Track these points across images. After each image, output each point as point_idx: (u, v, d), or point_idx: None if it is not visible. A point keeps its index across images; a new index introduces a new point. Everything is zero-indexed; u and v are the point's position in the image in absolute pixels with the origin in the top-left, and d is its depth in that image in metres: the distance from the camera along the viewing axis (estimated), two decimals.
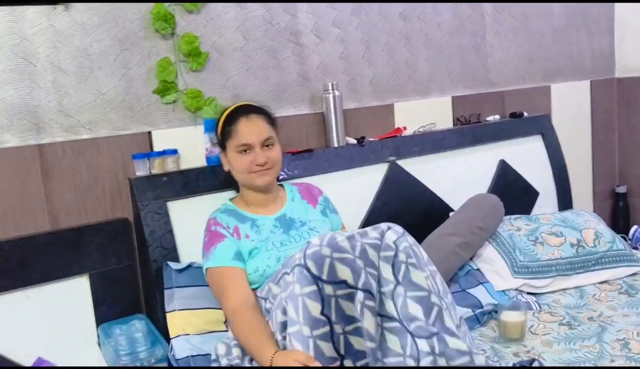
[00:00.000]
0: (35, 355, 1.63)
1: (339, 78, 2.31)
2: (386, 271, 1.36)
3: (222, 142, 1.74)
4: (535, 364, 1.53)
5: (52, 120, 1.77)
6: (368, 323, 1.32)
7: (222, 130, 1.73)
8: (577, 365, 1.56)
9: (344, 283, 1.32)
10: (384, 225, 1.44)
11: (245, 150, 1.68)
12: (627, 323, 1.77)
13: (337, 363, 1.31)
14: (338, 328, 1.32)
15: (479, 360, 1.33)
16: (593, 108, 3.20)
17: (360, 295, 1.32)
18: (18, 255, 1.66)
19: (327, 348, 1.31)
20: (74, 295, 1.73)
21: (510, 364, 1.57)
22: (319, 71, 2.28)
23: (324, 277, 1.32)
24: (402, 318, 1.34)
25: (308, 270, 1.33)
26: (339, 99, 2.21)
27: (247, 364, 1.47)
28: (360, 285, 1.32)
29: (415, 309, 1.33)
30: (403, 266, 1.36)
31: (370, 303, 1.32)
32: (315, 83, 2.26)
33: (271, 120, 1.76)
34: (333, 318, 1.31)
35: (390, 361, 1.32)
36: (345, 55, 2.35)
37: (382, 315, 1.35)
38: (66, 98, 1.78)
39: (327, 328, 1.31)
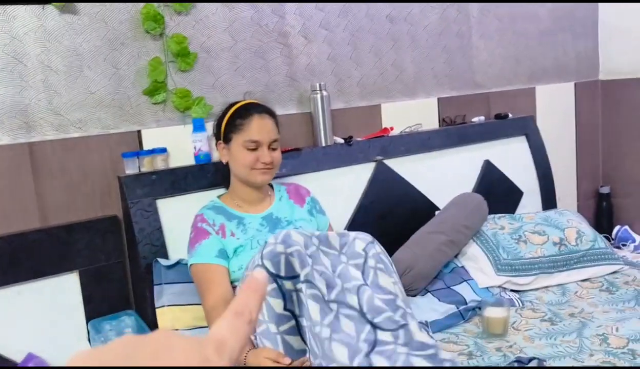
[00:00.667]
0: (26, 351, 1.64)
1: (326, 78, 2.34)
2: (355, 274, 1.38)
3: (226, 134, 1.75)
4: (534, 363, 1.54)
5: (42, 118, 1.79)
6: (313, 309, 1.31)
7: (231, 122, 1.73)
8: (557, 358, 1.60)
9: (298, 278, 1.35)
10: (352, 234, 1.46)
11: (253, 147, 1.70)
12: (607, 319, 1.81)
13: (307, 356, 1.34)
14: (304, 322, 1.35)
15: (444, 354, 1.32)
16: (577, 109, 3.25)
17: (303, 286, 1.34)
18: (8, 252, 1.67)
19: (295, 342, 1.34)
20: (64, 291, 1.74)
21: (498, 360, 1.61)
22: (307, 72, 2.31)
23: (282, 274, 1.35)
24: (366, 310, 1.31)
25: (266, 269, 1.36)
26: (327, 99, 2.24)
27: None
28: (302, 277, 1.33)
29: (383, 306, 1.33)
30: (372, 272, 1.38)
31: (311, 291, 1.31)
32: (303, 83, 2.30)
33: (278, 123, 1.79)
34: (297, 312, 1.35)
35: (337, 336, 1.28)
36: (333, 56, 2.38)
37: (340, 302, 1.32)
38: (56, 97, 1.80)
39: (292, 323, 1.35)
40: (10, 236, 1.69)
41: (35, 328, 1.69)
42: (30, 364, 1.62)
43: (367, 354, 1.26)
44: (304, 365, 1.33)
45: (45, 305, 1.72)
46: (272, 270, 1.35)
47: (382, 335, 1.29)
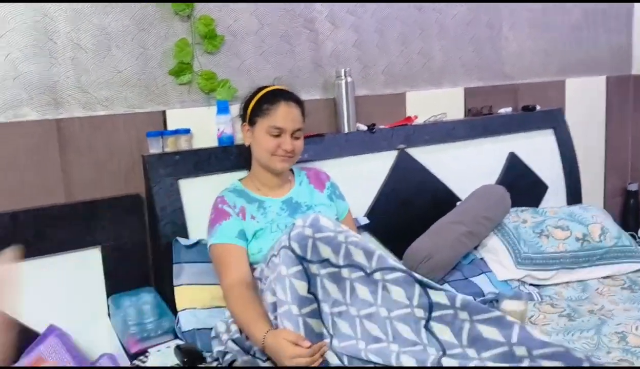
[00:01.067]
0: (47, 322, 1.68)
1: (351, 65, 2.33)
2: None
3: (252, 117, 1.76)
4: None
5: (70, 95, 1.82)
6: (362, 292, 1.33)
7: (258, 106, 1.74)
8: None
9: (326, 261, 1.35)
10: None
11: (276, 134, 1.71)
12: (627, 317, 1.79)
13: (327, 341, 1.35)
14: (325, 307, 1.35)
15: (509, 317, 1.26)
16: (608, 104, 3.18)
17: (345, 272, 1.35)
18: (34, 225, 1.71)
19: (316, 325, 1.35)
20: (86, 265, 1.78)
21: None
22: (332, 58, 2.31)
23: (308, 257, 1.36)
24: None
25: (293, 251, 1.37)
26: (351, 86, 2.24)
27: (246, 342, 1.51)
28: (341, 262, 1.34)
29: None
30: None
31: (357, 274, 1.33)
32: (328, 69, 2.29)
33: (304, 112, 1.79)
34: (320, 296, 1.35)
35: (395, 313, 1.31)
36: (359, 43, 2.37)
37: (382, 268, 1.33)
38: (84, 75, 1.83)
39: (314, 306, 1.35)
40: (36, 210, 1.73)
41: (57, 300, 1.73)
42: (51, 337, 1.65)
43: (427, 325, 1.26)
44: (322, 350, 1.34)
45: (67, 278, 1.75)
46: (298, 252, 1.37)
47: (436, 296, 1.27)
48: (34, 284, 1.70)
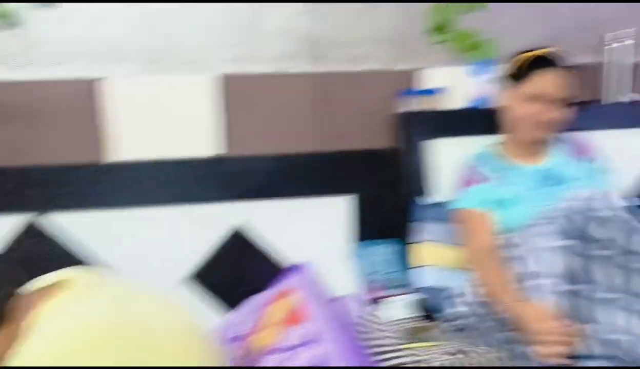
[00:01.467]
0: (297, 259, 1.81)
1: (626, 27, 2.07)
2: None
3: (512, 80, 1.66)
4: None
5: (331, 51, 1.92)
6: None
7: (520, 70, 1.63)
8: None
9: (598, 242, 1.24)
10: None
11: (535, 101, 1.60)
12: None
13: (584, 326, 1.24)
14: (588, 290, 1.25)
15: None
16: None
17: (625, 258, 1.22)
18: (291, 169, 1.85)
19: (573, 305, 1.25)
20: (335, 211, 1.87)
21: None
22: (602, 18, 2.07)
23: (577, 234, 1.27)
24: None
25: (558, 224, 1.29)
26: (625, 50, 2.00)
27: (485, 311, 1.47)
28: (622, 247, 1.22)
29: None
30: None
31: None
32: (595, 32, 2.07)
33: (572, 81, 1.64)
34: (580, 277, 1.25)
35: None
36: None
37: None
38: (345, 31, 1.92)
39: (571, 286, 1.25)
40: (293, 156, 1.87)
41: (307, 240, 1.83)
42: (299, 272, 1.77)
43: None
44: (576, 335, 1.24)
45: (317, 221, 1.86)
46: (566, 227, 1.30)
47: None
48: (288, 223, 1.84)
